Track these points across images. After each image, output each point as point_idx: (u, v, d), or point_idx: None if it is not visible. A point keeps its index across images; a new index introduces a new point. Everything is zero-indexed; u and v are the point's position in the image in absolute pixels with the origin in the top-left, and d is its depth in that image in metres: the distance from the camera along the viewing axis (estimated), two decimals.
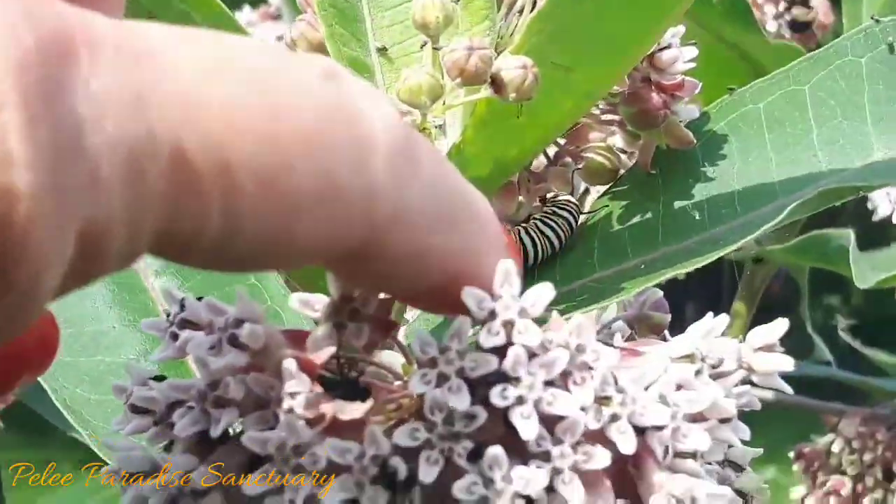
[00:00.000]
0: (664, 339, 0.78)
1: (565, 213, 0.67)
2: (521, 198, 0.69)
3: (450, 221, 0.41)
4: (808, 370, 1.70)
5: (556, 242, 0.67)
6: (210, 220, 0.35)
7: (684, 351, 0.48)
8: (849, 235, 1.11)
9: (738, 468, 0.63)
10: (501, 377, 0.43)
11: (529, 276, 0.66)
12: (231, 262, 0.38)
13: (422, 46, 0.59)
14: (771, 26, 1.37)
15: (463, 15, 0.60)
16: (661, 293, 0.76)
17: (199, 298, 0.50)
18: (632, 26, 0.55)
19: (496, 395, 0.43)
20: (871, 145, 0.65)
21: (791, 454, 1.29)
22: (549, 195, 0.70)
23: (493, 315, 0.43)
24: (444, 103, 0.57)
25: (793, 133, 0.67)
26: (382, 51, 0.63)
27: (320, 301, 0.48)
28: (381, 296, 0.48)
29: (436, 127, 0.62)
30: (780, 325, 0.50)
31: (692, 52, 0.66)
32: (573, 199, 0.69)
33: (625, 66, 0.60)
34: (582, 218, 0.70)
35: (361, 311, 0.47)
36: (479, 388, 0.43)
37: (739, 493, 0.62)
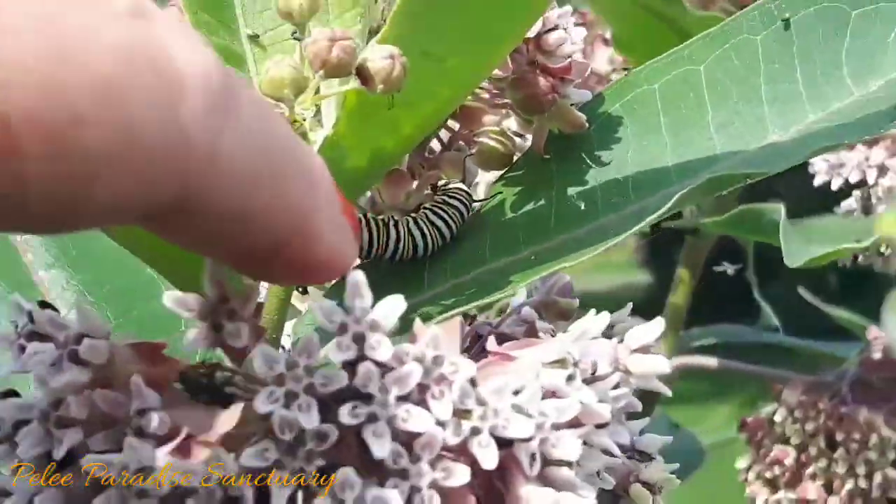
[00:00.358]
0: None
1: (456, 202, 0.65)
2: (412, 186, 0.67)
3: (273, 176, 0.38)
4: (755, 337, 1.69)
5: (446, 233, 0.64)
6: None
7: (555, 356, 0.46)
8: (780, 210, 1.09)
9: (647, 457, 0.61)
10: (354, 393, 0.41)
11: (420, 267, 0.64)
12: (24, 226, 0.34)
13: (293, 34, 0.57)
14: None
15: (333, 1, 0.58)
16: (567, 277, 0.74)
17: (44, 305, 0.47)
18: (501, 12, 0.53)
19: (346, 414, 0.40)
20: (767, 127, 0.63)
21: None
22: (440, 183, 0.67)
23: (343, 329, 0.41)
24: (316, 92, 0.54)
25: (688, 115, 0.65)
26: (254, 38, 0.60)
27: (195, 301, 0.45)
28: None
29: (312, 116, 0.59)
30: (657, 326, 0.48)
31: (581, 33, 0.64)
32: (464, 187, 0.66)
33: (501, 52, 0.57)
34: (477, 205, 0.68)
35: (239, 311, 0.45)
36: (331, 404, 0.41)
37: (646, 484, 0.61)
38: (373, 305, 0.42)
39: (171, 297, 0.45)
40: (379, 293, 0.57)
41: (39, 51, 0.31)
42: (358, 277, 0.41)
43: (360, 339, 0.41)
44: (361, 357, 0.41)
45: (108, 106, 0.32)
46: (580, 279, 0.59)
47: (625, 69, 1.40)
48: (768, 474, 1.21)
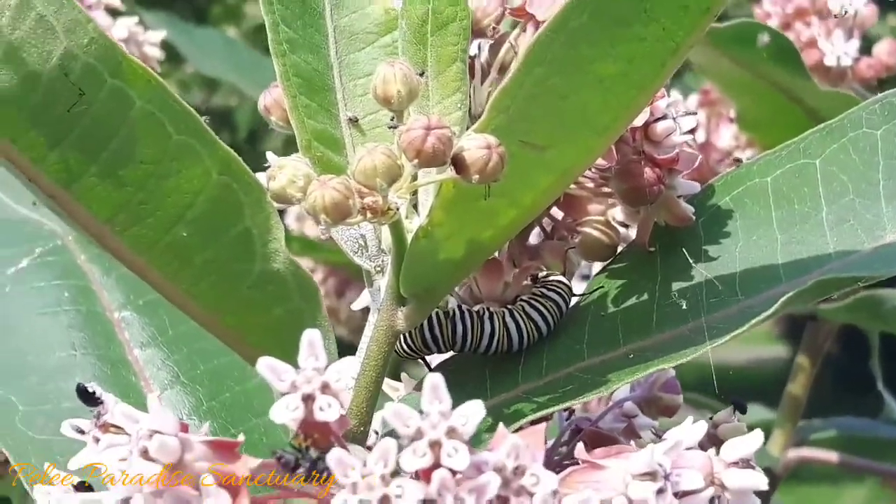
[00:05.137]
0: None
1: (554, 296, 0.63)
2: (508, 278, 0.65)
3: None
4: (879, 431, 1.62)
5: (543, 327, 0.62)
6: None
7: (645, 468, 0.43)
8: None
9: None
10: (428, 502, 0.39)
11: (515, 362, 0.62)
12: None
13: (391, 119, 0.55)
14: (829, 60, 1.29)
15: (434, 86, 0.56)
16: (672, 373, 0.71)
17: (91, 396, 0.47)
18: (604, 104, 0.51)
19: None
20: (884, 226, 0.60)
21: None
22: (540, 274, 0.65)
23: (419, 434, 0.39)
24: (413, 179, 0.53)
25: (801, 211, 0.62)
26: (354, 122, 0.59)
27: (287, 371, 0.44)
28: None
29: (412, 205, 0.58)
30: (756, 438, 0.45)
31: (690, 122, 0.62)
32: (564, 280, 0.64)
33: (603, 142, 0.55)
34: (577, 297, 0.65)
35: (333, 385, 0.43)
36: None
37: None
38: (453, 408, 0.40)
39: (265, 363, 0.44)
40: (469, 387, 0.54)
41: None
42: (436, 380, 0.39)
43: (436, 446, 0.39)
44: (437, 465, 0.39)
45: None
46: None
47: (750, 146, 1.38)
48: None
